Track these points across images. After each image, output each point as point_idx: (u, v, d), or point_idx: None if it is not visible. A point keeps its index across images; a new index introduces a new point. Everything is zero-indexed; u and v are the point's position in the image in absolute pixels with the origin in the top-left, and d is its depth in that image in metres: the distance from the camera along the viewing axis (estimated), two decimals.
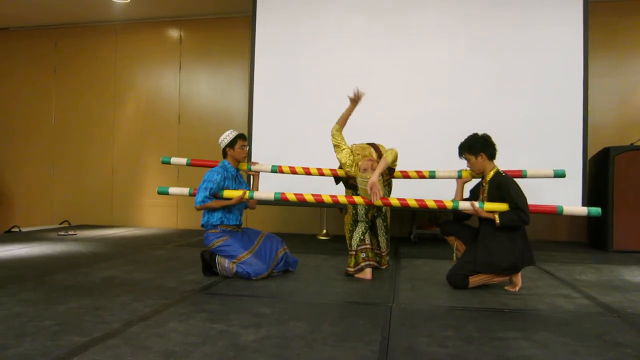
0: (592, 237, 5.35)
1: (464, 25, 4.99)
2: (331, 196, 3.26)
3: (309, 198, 3.29)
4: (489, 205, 2.94)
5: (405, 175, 3.49)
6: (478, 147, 3.02)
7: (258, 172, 3.58)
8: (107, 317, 2.25)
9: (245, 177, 3.70)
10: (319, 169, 3.56)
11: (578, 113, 4.79)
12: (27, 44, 7.27)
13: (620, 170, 4.82)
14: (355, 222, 3.47)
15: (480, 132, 3.08)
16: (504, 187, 2.91)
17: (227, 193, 3.24)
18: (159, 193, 3.69)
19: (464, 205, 3.03)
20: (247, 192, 3.24)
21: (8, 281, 2.99)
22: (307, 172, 3.57)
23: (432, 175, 3.44)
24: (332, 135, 3.38)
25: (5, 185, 7.35)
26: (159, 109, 6.88)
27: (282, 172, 3.60)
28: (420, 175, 3.46)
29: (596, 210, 3.07)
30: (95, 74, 7.06)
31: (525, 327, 2.24)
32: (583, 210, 3.16)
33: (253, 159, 5.08)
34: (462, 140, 3.10)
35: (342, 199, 3.24)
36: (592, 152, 5.14)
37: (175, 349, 1.85)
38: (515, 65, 4.90)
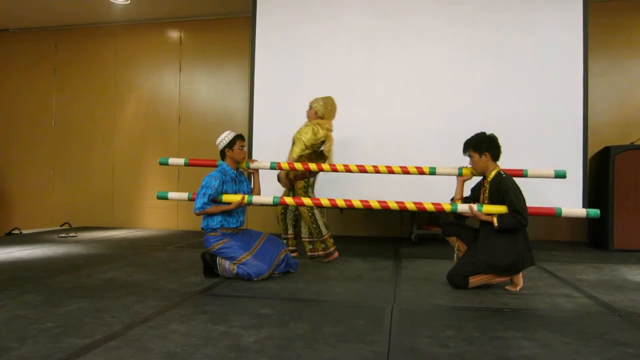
0: (592, 236, 5.35)
1: (465, 27, 4.99)
2: (329, 200, 3.26)
3: (307, 202, 3.30)
4: (488, 208, 2.95)
5: (405, 171, 3.46)
6: (484, 146, 3.02)
7: (257, 169, 3.57)
8: (108, 319, 2.26)
9: (246, 175, 3.70)
10: (318, 164, 3.54)
11: (578, 112, 4.79)
12: (27, 45, 7.28)
13: (621, 169, 4.82)
14: (312, 209, 3.82)
15: (488, 132, 3.08)
16: (503, 189, 2.92)
17: (226, 197, 3.24)
18: (159, 198, 3.68)
19: (463, 208, 3.04)
20: (246, 197, 3.24)
21: (9, 284, 2.99)
22: (306, 167, 3.56)
23: (433, 172, 3.41)
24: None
25: (5, 187, 7.36)
26: (159, 110, 6.88)
27: (280, 168, 3.59)
28: (420, 171, 3.44)
29: (595, 212, 3.08)
30: (96, 75, 7.06)
31: (526, 326, 2.24)
32: (582, 212, 3.17)
33: (253, 158, 5.08)
34: (469, 137, 3.10)
35: (340, 202, 3.24)
36: (592, 151, 5.14)
37: (176, 351, 1.86)
38: (515, 66, 4.90)
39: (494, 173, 3.02)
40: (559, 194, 4.58)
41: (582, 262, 4.17)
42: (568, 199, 4.67)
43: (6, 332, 2.05)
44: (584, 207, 4.69)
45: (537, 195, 4.36)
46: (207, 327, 2.15)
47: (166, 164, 3.82)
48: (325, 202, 3.27)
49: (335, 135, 5.38)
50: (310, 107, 4.04)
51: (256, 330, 2.11)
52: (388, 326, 2.21)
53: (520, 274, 3.00)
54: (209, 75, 6.78)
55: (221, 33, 6.67)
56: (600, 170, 5.01)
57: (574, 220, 5.79)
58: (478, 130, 3.13)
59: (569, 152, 4.74)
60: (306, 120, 4.03)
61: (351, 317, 2.35)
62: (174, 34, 6.85)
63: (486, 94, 4.92)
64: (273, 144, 5.20)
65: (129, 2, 6.23)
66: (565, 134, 4.80)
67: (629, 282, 3.29)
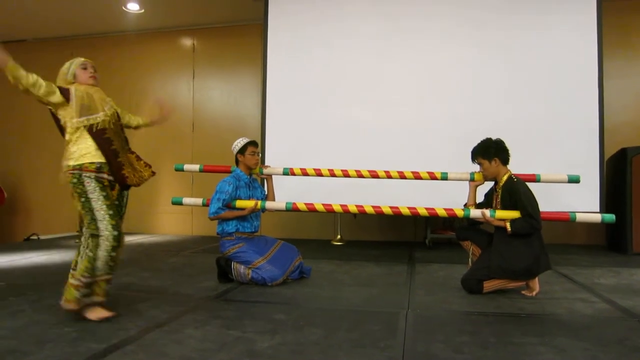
0: (610, 239, 5.27)
1: (478, 30, 4.96)
2: (341, 205, 3.27)
3: (319, 207, 3.30)
4: (500, 213, 2.93)
5: (417, 177, 3.46)
6: (492, 151, 3.00)
7: (270, 175, 3.59)
8: (124, 324, 2.28)
9: (260, 181, 3.72)
10: (330, 170, 3.56)
11: (594, 114, 4.74)
12: (44, 55, 7.38)
13: (638, 170, 4.75)
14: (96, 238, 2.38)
15: (494, 137, 3.06)
16: (515, 193, 2.89)
17: (239, 203, 3.26)
18: (174, 203, 3.73)
19: (475, 214, 3.02)
20: (260, 203, 3.26)
21: (28, 289, 3.04)
22: (319, 173, 3.57)
23: (444, 177, 3.42)
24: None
25: (23, 194, 7.48)
26: (173, 116, 6.94)
27: (293, 174, 3.60)
28: (432, 177, 3.44)
29: (610, 217, 3.05)
30: (111, 83, 7.11)
31: (543, 332, 2.21)
32: (597, 217, 3.13)
33: (266, 164, 5.11)
34: (475, 144, 3.09)
35: (352, 208, 3.25)
36: (609, 153, 5.07)
37: (191, 355, 1.87)
38: (529, 68, 4.86)
39: (505, 178, 3.00)
40: (576, 196, 4.52)
41: (600, 266, 4.10)
42: (585, 201, 4.61)
43: (25, 337, 2.08)
44: (601, 209, 4.63)
45: (553, 197, 4.31)
46: (221, 332, 2.16)
47: (182, 170, 3.87)
48: (337, 208, 3.28)
49: (346, 138, 5.35)
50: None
51: (270, 336, 2.12)
52: (402, 332, 2.20)
53: (537, 278, 2.97)
54: (222, 82, 6.84)
55: (233, 40, 6.73)
56: (617, 172, 4.94)
57: (591, 223, 5.70)
58: (493, 134, 3.10)
59: (585, 154, 4.69)
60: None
61: (365, 323, 2.34)
62: (187, 42, 6.93)
63: (500, 96, 4.88)
64: (286, 149, 5.22)
65: (143, 11, 6.33)
66: (581, 135, 4.74)
67: None
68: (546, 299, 2.87)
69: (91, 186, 2.43)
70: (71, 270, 2.45)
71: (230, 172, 3.47)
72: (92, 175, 2.45)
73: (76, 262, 2.48)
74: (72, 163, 2.48)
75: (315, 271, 3.63)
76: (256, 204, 3.23)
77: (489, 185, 3.20)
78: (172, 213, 6.81)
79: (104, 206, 2.40)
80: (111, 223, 2.39)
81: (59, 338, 2.07)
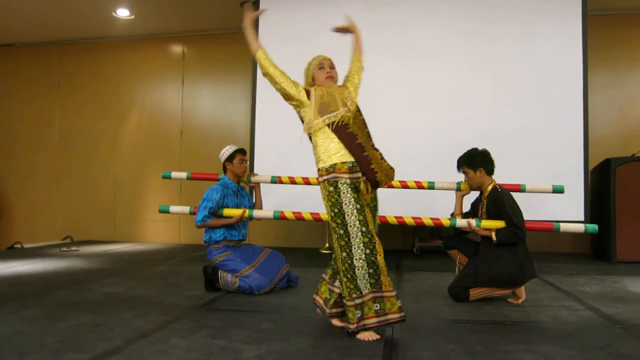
0: (595, 248, 5.33)
1: (464, 41, 5.02)
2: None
3: (307, 216, 3.30)
4: (486, 223, 2.97)
5: (404, 186, 3.48)
6: (478, 161, 3.03)
7: (258, 183, 3.58)
8: (108, 334, 2.25)
9: (248, 189, 3.71)
10: (318, 179, 3.56)
11: (578, 125, 4.81)
12: (31, 59, 7.36)
13: (622, 181, 4.83)
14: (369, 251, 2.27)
15: (479, 147, 3.10)
16: (499, 203, 2.93)
17: (227, 212, 3.25)
18: (161, 212, 3.69)
19: (461, 223, 3.05)
20: (247, 211, 3.25)
21: (10, 298, 2.99)
22: (307, 182, 3.57)
23: (431, 186, 3.44)
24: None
25: (7, 201, 7.38)
26: (161, 123, 6.93)
27: (281, 182, 3.59)
28: (419, 186, 3.46)
29: (592, 227, 3.12)
30: (99, 89, 7.12)
31: (528, 339, 2.23)
32: (580, 227, 3.19)
33: (254, 172, 5.10)
34: (462, 154, 3.12)
35: None
36: (593, 164, 5.15)
37: None
38: (515, 79, 4.93)
39: (490, 188, 3.03)
40: (561, 205, 4.58)
41: (585, 274, 4.15)
42: (570, 211, 4.67)
43: (7, 347, 2.05)
44: (585, 219, 4.69)
45: (538, 206, 4.36)
46: (207, 342, 2.15)
47: (169, 177, 3.84)
48: (325, 216, 3.27)
49: None
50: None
51: (257, 345, 2.10)
52: (390, 340, 2.21)
53: (523, 287, 2.99)
54: (212, 89, 6.84)
55: (224, 47, 6.74)
56: (602, 182, 5.02)
57: (576, 232, 5.77)
58: (478, 144, 3.14)
59: (570, 165, 4.75)
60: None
61: None
62: (177, 49, 6.92)
63: (486, 107, 4.94)
64: (275, 156, 5.22)
65: (133, 17, 6.32)
66: (566, 146, 4.81)
67: (631, 294, 3.28)
68: (532, 306, 2.90)
69: (347, 197, 2.27)
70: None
71: (218, 179, 3.46)
72: (347, 180, 2.29)
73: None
74: (323, 165, 2.37)
75: (303, 279, 3.62)
76: (243, 213, 3.23)
77: (475, 194, 3.23)
78: (159, 221, 6.76)
79: (357, 222, 2.24)
80: (363, 241, 2.23)
81: (41, 349, 2.03)
